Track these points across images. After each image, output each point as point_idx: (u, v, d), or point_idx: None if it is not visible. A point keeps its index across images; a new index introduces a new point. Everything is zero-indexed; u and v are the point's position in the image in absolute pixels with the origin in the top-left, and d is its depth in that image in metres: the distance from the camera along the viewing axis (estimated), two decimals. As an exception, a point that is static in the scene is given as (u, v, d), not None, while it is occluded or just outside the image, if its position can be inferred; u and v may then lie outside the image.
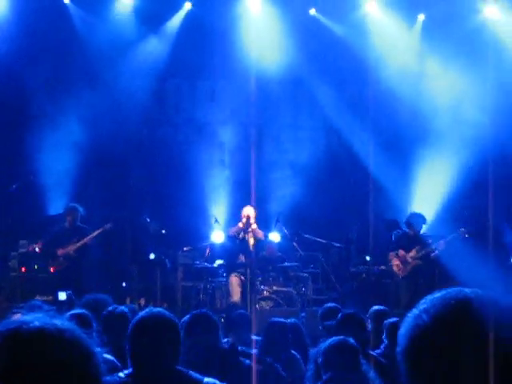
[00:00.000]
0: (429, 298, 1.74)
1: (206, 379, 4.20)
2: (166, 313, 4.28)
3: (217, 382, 4.24)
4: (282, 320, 7.42)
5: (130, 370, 4.14)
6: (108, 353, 5.59)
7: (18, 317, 1.78)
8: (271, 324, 7.36)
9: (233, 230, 14.13)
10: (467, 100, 16.55)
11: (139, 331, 4.15)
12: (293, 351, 7.16)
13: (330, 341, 5.41)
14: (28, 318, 1.74)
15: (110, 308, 7.11)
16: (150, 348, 4.06)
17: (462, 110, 16.54)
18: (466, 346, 1.61)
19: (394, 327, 7.84)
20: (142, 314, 4.28)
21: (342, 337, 5.58)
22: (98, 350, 1.79)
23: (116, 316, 6.95)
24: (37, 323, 1.71)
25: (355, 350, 5.34)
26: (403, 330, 1.73)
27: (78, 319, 6.01)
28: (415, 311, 1.73)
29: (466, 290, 1.73)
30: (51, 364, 1.65)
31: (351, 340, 5.41)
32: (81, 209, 13.75)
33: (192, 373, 4.18)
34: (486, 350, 1.59)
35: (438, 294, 1.73)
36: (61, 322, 1.75)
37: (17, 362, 1.63)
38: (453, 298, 1.70)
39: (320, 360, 5.28)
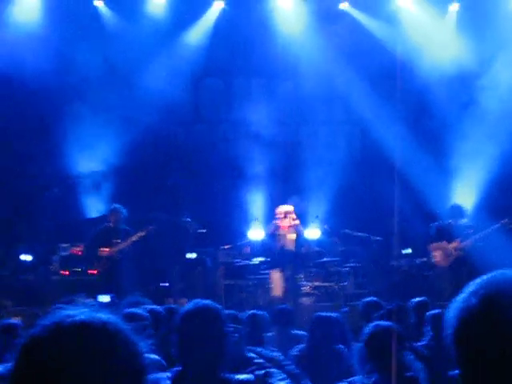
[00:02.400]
0: (477, 281, 1.77)
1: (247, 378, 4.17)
2: (213, 303, 4.23)
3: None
4: (327, 314, 7.42)
5: (178, 368, 4.12)
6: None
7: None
8: (317, 318, 7.37)
9: (271, 229, 14.14)
10: (505, 90, 16.41)
11: (187, 320, 4.11)
12: (340, 346, 7.16)
13: (372, 325, 5.42)
14: (72, 311, 1.75)
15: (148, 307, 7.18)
16: (197, 339, 4.02)
17: (500, 101, 16.40)
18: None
19: (438, 318, 7.84)
20: (189, 305, 4.24)
21: (386, 322, 5.61)
22: (144, 345, 1.78)
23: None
24: (82, 316, 1.72)
25: (401, 337, 5.34)
26: (452, 313, 1.76)
27: (133, 317, 6.11)
28: (463, 295, 1.76)
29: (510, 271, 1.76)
30: (95, 357, 1.66)
31: (395, 326, 5.41)
32: (124, 210, 13.76)
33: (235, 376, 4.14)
34: None
35: (485, 277, 1.77)
36: (105, 315, 1.75)
37: (60, 354, 1.64)
38: (500, 279, 1.74)
39: (364, 344, 5.29)
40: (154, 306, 7.50)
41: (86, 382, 1.64)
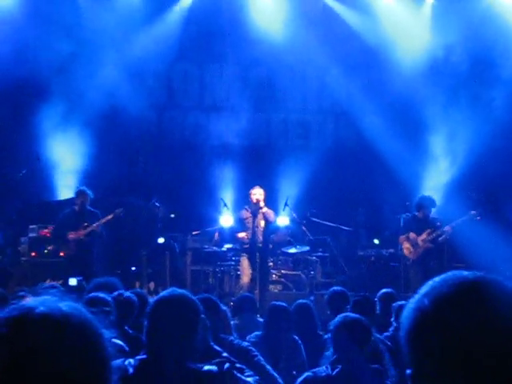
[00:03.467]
0: (429, 282, 1.76)
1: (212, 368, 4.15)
2: (189, 295, 4.19)
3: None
4: (283, 304, 7.48)
5: (143, 355, 4.07)
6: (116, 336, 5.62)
7: (25, 300, 1.76)
8: (272, 307, 7.43)
9: (240, 215, 14.11)
10: (478, 82, 16.55)
11: (161, 308, 4.06)
12: (295, 336, 7.23)
13: (341, 317, 5.45)
14: (33, 302, 1.69)
15: (115, 293, 7.16)
16: (169, 328, 3.96)
17: (474, 93, 16.53)
18: (465, 328, 1.63)
19: (403, 310, 7.89)
20: (164, 292, 4.20)
21: (354, 314, 5.65)
22: (107, 332, 1.75)
23: (123, 301, 7.02)
24: (42, 308, 1.66)
25: (367, 328, 5.38)
26: (405, 314, 1.76)
27: (96, 302, 6.08)
28: (417, 296, 1.76)
29: (466, 272, 1.75)
30: (57, 352, 1.61)
31: (363, 318, 5.45)
32: (90, 192, 13.68)
33: (203, 366, 4.09)
34: (485, 331, 1.62)
35: (437, 278, 1.76)
36: (67, 305, 1.70)
37: (22, 351, 1.60)
38: (452, 281, 1.73)
39: (330, 336, 5.31)
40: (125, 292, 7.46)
41: (48, 378, 1.60)
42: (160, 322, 4.03)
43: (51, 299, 1.71)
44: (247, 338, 7.03)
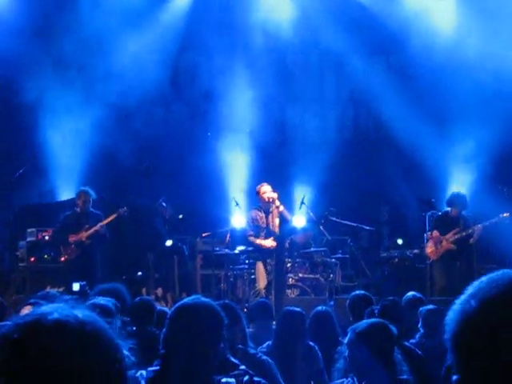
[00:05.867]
0: (476, 283, 1.76)
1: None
2: (214, 304, 4.15)
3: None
4: (296, 309, 7.44)
5: (157, 367, 4.02)
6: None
7: (28, 309, 1.74)
8: (286, 313, 7.39)
9: (252, 215, 14.03)
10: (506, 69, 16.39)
11: (183, 316, 4.01)
12: (311, 343, 7.18)
13: (365, 322, 5.35)
14: (47, 308, 1.70)
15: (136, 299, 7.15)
16: (191, 338, 3.91)
17: (501, 80, 16.36)
18: None
19: (431, 315, 7.81)
20: (188, 299, 4.15)
21: (379, 320, 5.56)
22: (122, 342, 1.76)
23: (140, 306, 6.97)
24: (56, 315, 1.67)
25: (393, 336, 5.27)
26: (451, 316, 1.75)
27: (100, 310, 6.00)
28: (462, 297, 1.76)
29: None
30: (72, 360, 1.62)
31: (391, 326, 5.34)
32: (92, 193, 13.65)
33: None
34: None
35: (484, 279, 1.75)
36: (82, 312, 1.71)
37: (35, 357, 1.61)
38: (500, 280, 1.72)
39: (348, 341, 5.21)
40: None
41: None
42: (181, 331, 3.96)
43: (65, 306, 1.73)
44: (258, 348, 6.99)
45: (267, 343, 7.22)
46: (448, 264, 13.44)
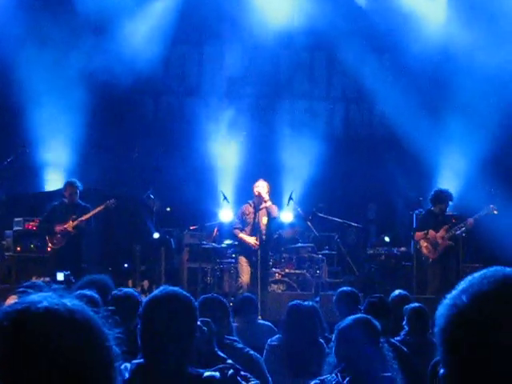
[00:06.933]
0: (467, 278, 1.78)
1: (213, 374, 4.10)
2: (184, 292, 4.12)
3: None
4: (305, 303, 7.33)
5: (140, 360, 4.00)
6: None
7: (14, 298, 1.74)
8: (293, 308, 7.27)
9: (241, 210, 14.01)
10: (497, 71, 16.42)
11: (154, 308, 3.99)
12: (321, 340, 7.11)
13: (351, 319, 5.36)
14: (36, 297, 1.72)
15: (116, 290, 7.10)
16: (163, 329, 3.89)
17: (493, 82, 16.40)
18: (505, 325, 1.65)
19: (416, 313, 7.84)
20: (156, 291, 4.13)
21: (363, 315, 5.58)
22: (110, 333, 1.77)
23: (123, 298, 6.93)
24: (45, 303, 1.69)
25: (377, 331, 5.29)
26: (441, 311, 1.77)
27: (86, 300, 5.98)
28: (454, 292, 1.77)
29: (507, 269, 1.77)
30: (62, 347, 1.64)
31: (374, 320, 5.36)
32: (80, 184, 13.66)
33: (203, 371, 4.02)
34: None
35: (476, 275, 1.77)
36: (71, 301, 1.73)
37: (25, 345, 1.62)
38: (492, 277, 1.73)
39: (335, 338, 5.22)
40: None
41: (51, 373, 1.62)
42: (153, 322, 3.95)
43: (54, 295, 1.74)
44: (268, 341, 6.97)
45: (277, 336, 7.20)
46: (443, 263, 13.35)
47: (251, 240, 13.50)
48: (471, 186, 15.74)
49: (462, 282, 1.77)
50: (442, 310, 1.77)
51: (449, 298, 1.77)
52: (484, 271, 1.77)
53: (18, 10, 16.13)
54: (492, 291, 1.70)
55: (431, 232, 13.44)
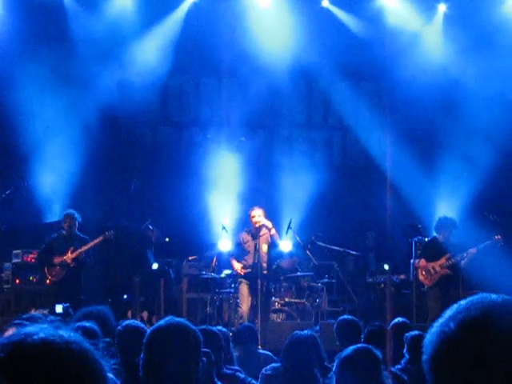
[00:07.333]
0: (454, 306, 1.77)
1: None
2: (189, 323, 4.06)
3: None
4: (304, 333, 7.29)
5: None
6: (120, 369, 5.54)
7: (13, 330, 1.74)
8: (295, 339, 7.23)
9: (239, 239, 14.04)
10: (492, 96, 16.50)
11: (158, 339, 3.94)
12: (315, 370, 7.07)
13: (350, 348, 5.33)
14: (32, 329, 1.70)
15: (125, 323, 7.05)
16: (167, 360, 3.84)
17: (487, 107, 16.48)
18: (493, 352, 1.63)
19: (416, 341, 7.81)
20: (161, 321, 4.06)
21: (364, 345, 5.55)
22: (107, 364, 1.76)
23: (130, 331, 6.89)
24: (42, 335, 1.68)
25: (378, 360, 5.26)
26: (429, 338, 1.76)
27: (84, 332, 5.96)
28: (441, 320, 1.77)
29: (493, 295, 1.76)
30: (58, 378, 1.63)
31: (375, 350, 5.33)
32: (78, 216, 13.68)
33: None
34: None
35: (463, 302, 1.77)
36: (67, 333, 1.72)
37: (21, 377, 1.61)
38: (479, 303, 1.73)
39: (336, 368, 5.19)
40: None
41: None
42: (157, 354, 3.91)
43: (50, 326, 1.73)
44: (263, 370, 6.95)
45: (272, 365, 7.16)
46: (442, 291, 13.32)
47: (238, 266, 13.60)
48: (469, 215, 15.76)
49: (449, 309, 1.77)
50: (429, 337, 1.76)
51: (436, 326, 1.77)
52: (471, 298, 1.77)
53: (14, 34, 16.18)
54: (478, 318, 1.69)
55: (422, 261, 13.51)
